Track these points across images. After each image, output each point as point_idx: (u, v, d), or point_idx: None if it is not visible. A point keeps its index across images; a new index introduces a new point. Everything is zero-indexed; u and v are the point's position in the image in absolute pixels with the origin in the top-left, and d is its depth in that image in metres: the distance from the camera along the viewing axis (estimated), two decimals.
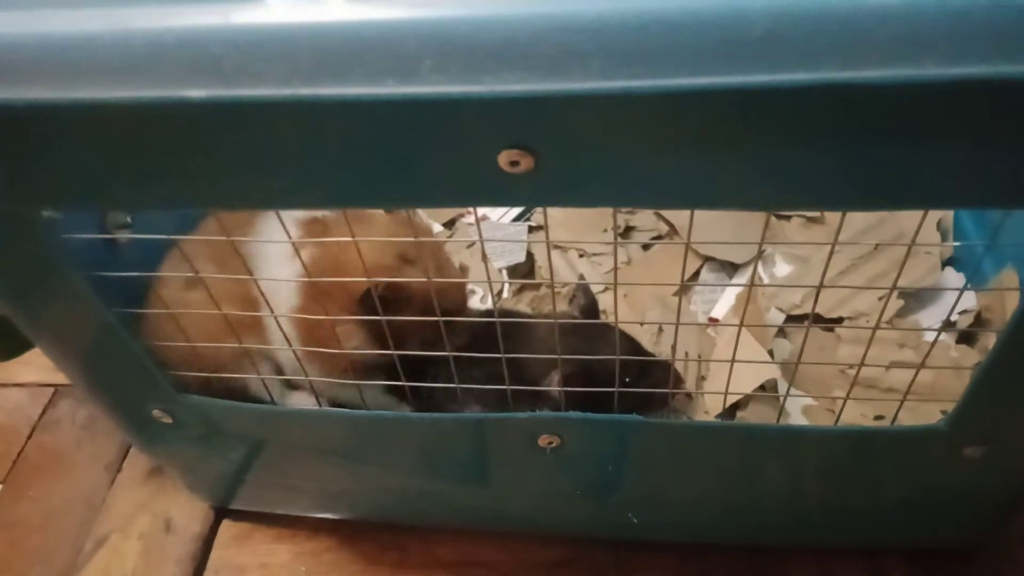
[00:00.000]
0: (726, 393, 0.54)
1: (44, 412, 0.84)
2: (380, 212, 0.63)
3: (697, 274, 0.83)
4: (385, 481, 0.64)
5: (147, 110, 0.32)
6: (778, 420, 0.57)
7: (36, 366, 0.85)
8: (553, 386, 0.56)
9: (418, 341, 0.57)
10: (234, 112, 0.32)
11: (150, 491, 0.76)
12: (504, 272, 0.85)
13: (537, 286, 0.83)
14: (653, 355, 0.69)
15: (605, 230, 0.87)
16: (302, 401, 0.65)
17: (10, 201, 0.40)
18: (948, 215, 0.82)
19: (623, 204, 0.38)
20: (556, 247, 0.87)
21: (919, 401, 0.64)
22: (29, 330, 0.50)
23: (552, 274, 0.47)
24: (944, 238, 0.81)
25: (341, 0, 0.31)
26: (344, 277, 0.55)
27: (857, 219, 0.81)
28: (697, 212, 0.39)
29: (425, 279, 0.52)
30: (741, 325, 0.46)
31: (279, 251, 0.59)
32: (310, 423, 0.56)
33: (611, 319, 0.74)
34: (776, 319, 0.77)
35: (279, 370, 0.63)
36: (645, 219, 0.88)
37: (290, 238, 0.48)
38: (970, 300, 0.74)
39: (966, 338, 0.73)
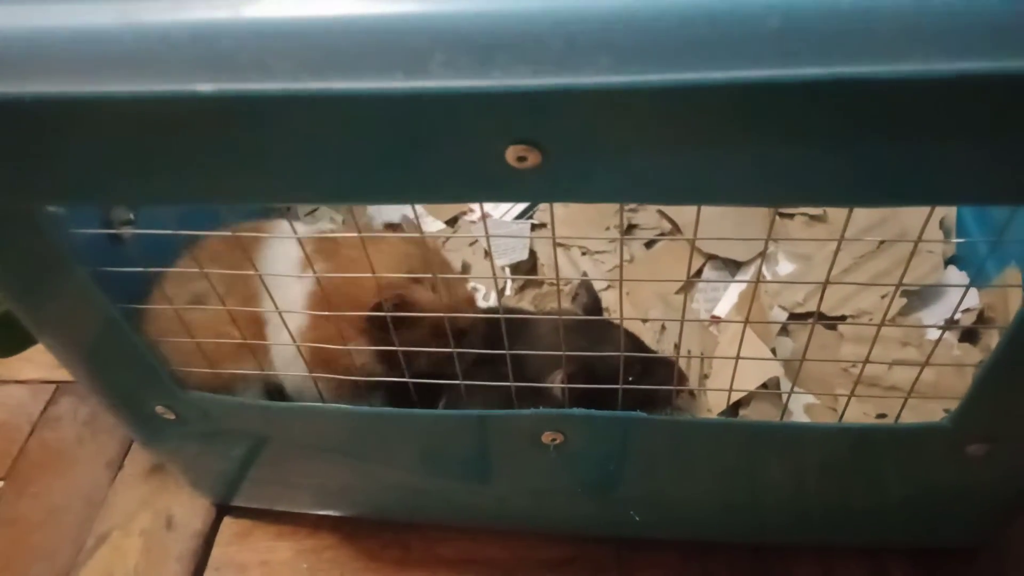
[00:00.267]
0: (730, 390, 0.54)
1: (45, 409, 0.84)
2: (391, 234, 0.63)
3: (699, 273, 0.83)
4: (387, 478, 0.64)
5: (156, 104, 0.32)
6: (781, 418, 0.56)
7: (37, 363, 0.85)
8: (556, 384, 0.56)
9: (427, 358, 0.58)
10: (243, 106, 0.32)
11: (151, 488, 0.76)
12: (507, 270, 0.85)
13: (540, 284, 0.83)
14: (655, 352, 0.69)
15: (608, 228, 0.87)
16: None
17: (16, 196, 0.40)
18: (951, 214, 0.82)
19: (630, 200, 0.38)
20: (559, 245, 0.86)
21: (922, 399, 0.64)
22: (32, 325, 0.50)
23: (557, 271, 0.47)
24: (947, 237, 0.81)
25: None
26: (353, 294, 0.55)
27: (859, 218, 0.81)
28: (700, 210, 0.39)
29: (436, 296, 0.52)
30: (747, 321, 0.45)
31: (288, 270, 0.58)
32: (313, 419, 0.56)
33: (614, 317, 0.74)
34: (779, 318, 0.77)
35: (279, 391, 0.63)
36: (648, 217, 0.88)
37: (301, 262, 0.47)
38: (973, 299, 0.74)
39: (969, 336, 0.73)
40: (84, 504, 0.75)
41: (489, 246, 0.41)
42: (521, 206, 0.92)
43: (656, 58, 0.29)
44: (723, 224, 0.82)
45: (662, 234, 0.86)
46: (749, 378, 0.67)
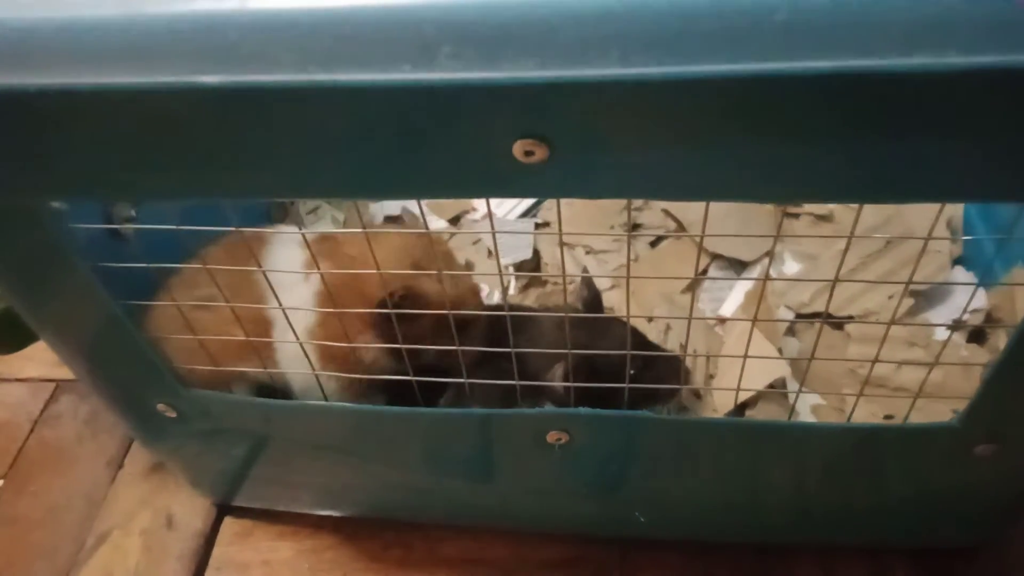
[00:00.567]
0: (737, 390, 0.53)
1: (46, 407, 0.84)
2: (392, 229, 0.63)
3: (705, 272, 0.83)
4: (389, 478, 0.63)
5: (159, 96, 0.32)
6: (789, 418, 0.56)
7: (38, 361, 0.85)
8: (557, 379, 0.56)
9: (435, 350, 0.57)
10: (247, 98, 0.32)
11: (152, 487, 0.75)
12: (511, 268, 0.85)
13: (543, 283, 0.83)
14: (657, 346, 0.69)
15: (612, 227, 0.87)
16: None
17: (18, 191, 0.40)
18: (958, 214, 0.81)
19: (637, 195, 0.37)
20: (563, 243, 0.86)
21: (929, 400, 0.64)
22: (34, 322, 0.50)
23: (564, 268, 0.47)
24: (953, 237, 0.80)
25: None
26: (360, 289, 0.55)
27: (865, 218, 0.80)
28: (708, 206, 0.39)
29: (441, 286, 0.52)
30: (755, 320, 0.45)
31: (291, 270, 0.59)
32: (314, 418, 0.56)
33: (620, 315, 0.73)
34: (785, 318, 0.77)
35: (278, 392, 0.63)
36: (653, 216, 0.87)
37: (305, 264, 0.47)
38: (980, 299, 0.73)
39: (976, 337, 0.73)
40: (84, 503, 0.75)
41: (495, 243, 0.41)
42: (524, 205, 0.91)
43: (664, 51, 0.29)
44: (728, 223, 0.82)
45: (667, 233, 0.86)
46: (756, 378, 0.67)
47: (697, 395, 0.72)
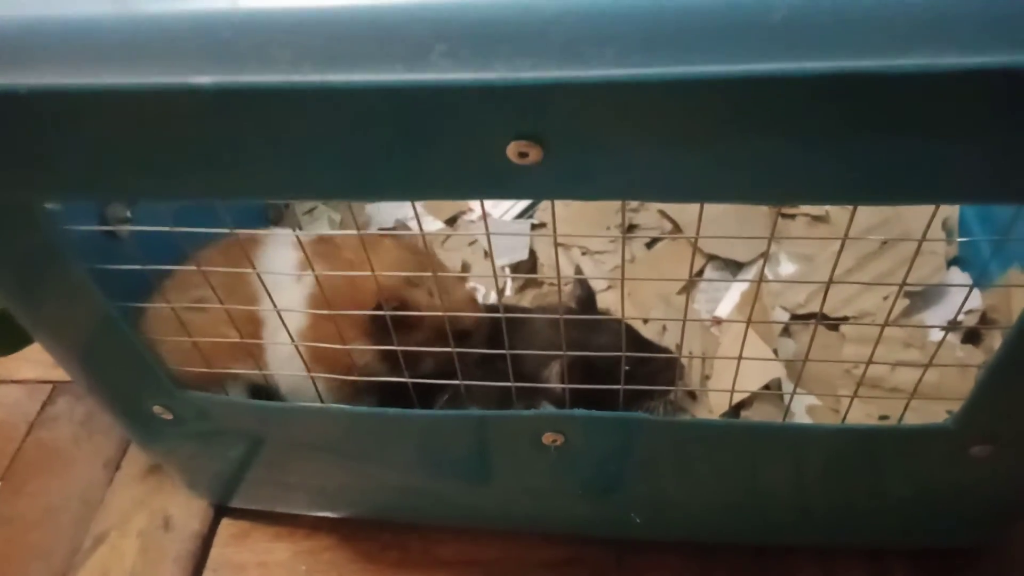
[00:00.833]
0: (732, 391, 0.53)
1: (42, 409, 0.84)
2: (387, 239, 0.63)
3: (701, 273, 0.83)
4: (385, 479, 0.63)
5: (153, 97, 0.32)
6: (784, 419, 0.56)
7: (34, 362, 0.84)
8: (553, 378, 0.56)
9: (433, 360, 0.58)
10: (241, 98, 0.32)
11: (149, 488, 0.75)
12: (507, 270, 0.85)
13: (539, 283, 0.83)
14: (652, 343, 0.69)
15: (608, 227, 0.87)
16: None
17: (11, 191, 0.40)
18: (953, 215, 0.81)
19: (632, 197, 0.37)
20: (559, 244, 0.86)
21: (924, 401, 0.64)
22: (29, 323, 0.50)
23: (559, 269, 0.47)
24: (949, 238, 0.80)
25: None
26: (353, 295, 0.55)
27: (861, 219, 0.80)
28: (703, 208, 0.39)
29: (433, 299, 0.53)
30: (749, 321, 0.45)
31: (285, 271, 0.59)
32: (311, 420, 0.56)
33: (614, 315, 0.73)
34: (781, 319, 0.77)
35: (270, 393, 0.63)
36: (649, 217, 0.87)
37: (300, 265, 0.47)
38: (976, 300, 0.74)
39: (972, 337, 0.73)
40: (81, 504, 0.75)
41: (490, 245, 0.41)
42: (521, 206, 0.91)
43: (660, 51, 0.29)
44: (724, 224, 0.82)
45: (663, 234, 0.86)
46: (751, 379, 0.67)
47: (693, 396, 0.72)
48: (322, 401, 0.57)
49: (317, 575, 0.69)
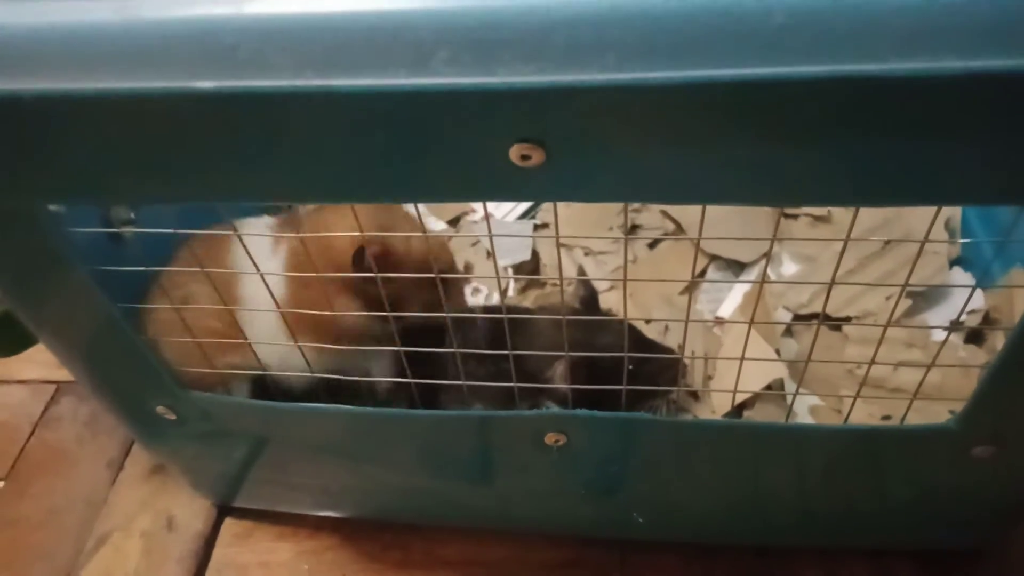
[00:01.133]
0: (735, 391, 0.53)
1: (46, 409, 0.84)
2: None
3: (703, 274, 0.83)
4: (388, 479, 0.63)
5: (155, 101, 0.32)
6: (787, 419, 0.56)
7: (38, 363, 0.85)
8: (557, 377, 0.56)
9: (417, 306, 0.57)
10: (243, 103, 0.32)
11: (152, 489, 0.76)
12: (509, 270, 0.85)
13: (542, 284, 0.83)
14: (655, 342, 0.69)
15: (611, 228, 0.87)
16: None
17: (17, 195, 0.40)
18: (956, 216, 0.81)
19: (634, 199, 0.37)
20: (561, 245, 0.86)
21: (927, 401, 0.64)
22: (33, 325, 0.50)
23: (560, 270, 0.47)
24: (951, 239, 0.80)
25: None
26: (329, 254, 0.56)
27: (863, 220, 0.80)
28: (705, 210, 0.39)
29: (410, 245, 0.54)
30: (752, 322, 0.45)
31: (258, 250, 0.57)
32: (313, 420, 0.56)
33: (617, 315, 0.74)
34: (783, 319, 0.77)
35: (275, 387, 0.63)
36: (651, 218, 0.87)
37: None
38: (978, 300, 0.73)
39: (974, 338, 0.73)
40: (84, 505, 0.75)
41: (492, 246, 0.41)
42: (523, 207, 0.91)
43: (661, 55, 0.29)
44: (727, 225, 0.82)
45: (665, 235, 0.86)
46: (754, 379, 0.67)
47: (695, 396, 0.72)
48: (310, 369, 0.56)
49: (320, 575, 0.69)
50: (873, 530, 0.62)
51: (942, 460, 0.51)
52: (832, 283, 0.42)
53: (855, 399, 0.49)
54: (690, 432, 0.54)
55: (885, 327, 0.43)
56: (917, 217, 0.79)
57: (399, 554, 0.69)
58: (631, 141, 0.33)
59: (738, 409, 0.69)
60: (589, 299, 0.67)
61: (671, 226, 0.87)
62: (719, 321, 0.78)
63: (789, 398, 0.66)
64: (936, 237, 0.78)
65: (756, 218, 0.84)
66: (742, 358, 0.47)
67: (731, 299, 0.81)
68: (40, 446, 0.81)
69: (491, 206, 0.90)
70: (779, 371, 0.68)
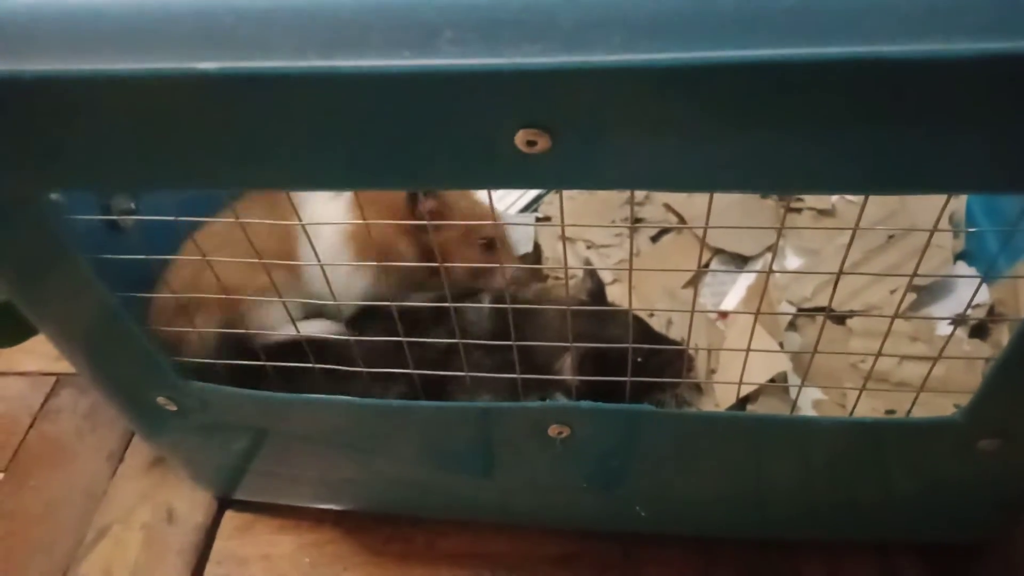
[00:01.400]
0: (739, 384, 0.53)
1: (46, 401, 0.84)
2: None
3: (707, 266, 0.83)
4: (390, 471, 0.63)
5: (157, 83, 0.31)
6: (791, 412, 0.56)
7: (38, 354, 0.85)
8: (565, 369, 0.56)
9: (459, 259, 0.67)
10: (245, 84, 0.31)
11: (152, 481, 0.75)
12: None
13: (544, 277, 0.83)
14: (663, 335, 0.69)
15: (614, 221, 0.86)
16: (318, 328, 0.67)
17: (16, 182, 0.39)
18: (960, 209, 0.81)
19: (640, 187, 0.37)
20: (564, 237, 0.86)
21: (931, 394, 0.64)
22: (33, 315, 0.50)
23: (566, 260, 0.47)
24: (955, 232, 0.80)
25: None
26: (388, 202, 0.65)
27: (868, 212, 0.80)
28: (707, 203, 0.39)
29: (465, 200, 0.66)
30: (757, 313, 0.45)
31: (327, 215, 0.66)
32: (314, 411, 0.56)
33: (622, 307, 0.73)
34: (787, 312, 0.76)
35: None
36: (654, 211, 0.87)
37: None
38: (983, 294, 0.73)
39: (979, 331, 0.73)
40: (84, 497, 0.75)
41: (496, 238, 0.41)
42: (526, 199, 0.91)
43: (669, 36, 0.29)
44: (730, 218, 0.82)
45: (669, 227, 0.85)
46: (757, 372, 0.67)
47: (699, 389, 0.71)
48: (376, 291, 0.64)
49: (321, 568, 0.68)
50: (877, 524, 0.62)
51: (947, 454, 0.51)
52: (838, 275, 0.41)
53: (860, 393, 0.49)
54: (694, 425, 0.54)
55: (890, 320, 0.43)
56: (921, 210, 0.78)
57: (401, 547, 0.69)
58: (638, 126, 0.32)
59: (742, 402, 0.68)
60: (596, 292, 0.67)
61: (674, 219, 0.86)
62: (723, 314, 0.78)
63: (793, 391, 0.66)
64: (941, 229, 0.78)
65: (758, 212, 0.83)
66: (747, 350, 0.47)
67: (735, 292, 0.80)
68: (40, 438, 0.81)
69: (493, 198, 0.90)
70: (783, 364, 0.68)
